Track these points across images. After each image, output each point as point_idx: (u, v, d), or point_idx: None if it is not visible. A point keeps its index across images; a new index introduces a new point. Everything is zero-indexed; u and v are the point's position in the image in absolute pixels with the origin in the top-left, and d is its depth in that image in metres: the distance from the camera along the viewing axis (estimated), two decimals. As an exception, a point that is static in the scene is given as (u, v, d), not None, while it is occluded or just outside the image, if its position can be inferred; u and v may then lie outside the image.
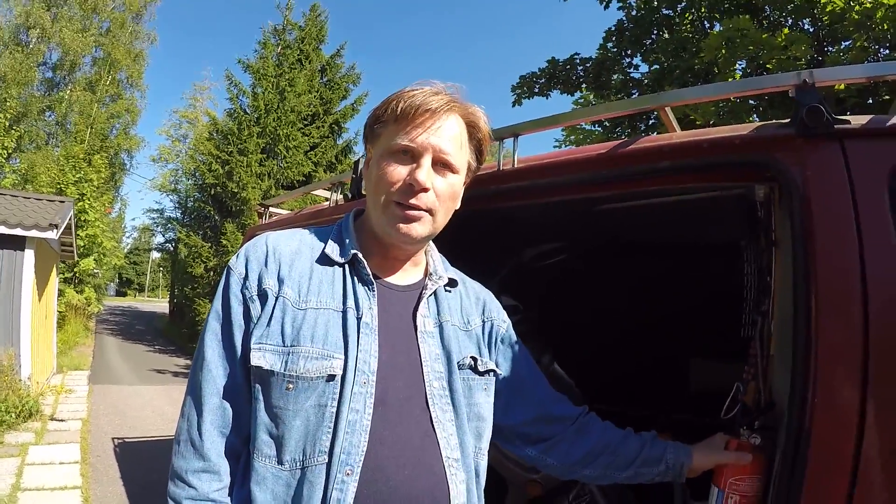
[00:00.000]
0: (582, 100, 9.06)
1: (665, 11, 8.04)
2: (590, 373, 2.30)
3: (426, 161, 0.98)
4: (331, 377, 0.93)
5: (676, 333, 2.63)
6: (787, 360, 1.09)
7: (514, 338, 1.20)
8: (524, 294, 2.13)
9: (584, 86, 8.76)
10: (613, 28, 8.51)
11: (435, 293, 1.09)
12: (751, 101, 6.47)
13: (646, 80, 7.92)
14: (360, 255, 1.02)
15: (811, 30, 7.03)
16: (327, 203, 2.59)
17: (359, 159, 2.17)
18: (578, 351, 2.44)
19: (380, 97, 1.06)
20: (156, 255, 44.02)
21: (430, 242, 1.14)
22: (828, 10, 6.11)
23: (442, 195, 1.01)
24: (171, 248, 24.38)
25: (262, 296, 0.98)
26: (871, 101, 6.06)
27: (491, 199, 1.50)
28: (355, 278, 1.02)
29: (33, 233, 7.19)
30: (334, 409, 0.92)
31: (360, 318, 0.98)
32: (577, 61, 8.70)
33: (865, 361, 0.97)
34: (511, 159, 1.47)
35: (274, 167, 14.81)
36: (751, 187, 1.30)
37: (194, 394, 0.97)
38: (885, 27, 5.79)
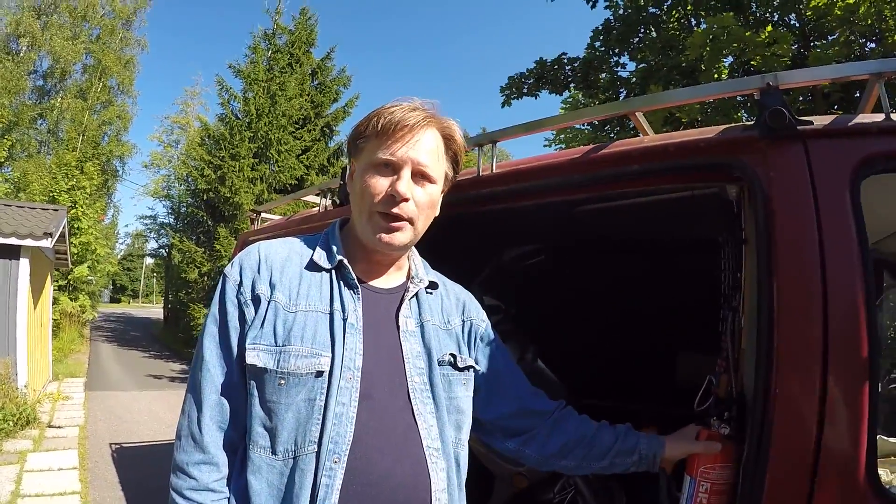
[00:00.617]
0: (571, 99, 9.11)
1: (652, 10, 8.09)
2: (575, 368, 2.35)
3: (406, 173, 1.05)
4: (319, 373, 1.00)
5: (662, 328, 2.68)
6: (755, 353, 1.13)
7: (493, 336, 1.26)
8: (506, 293, 2.17)
9: (572, 85, 8.80)
10: (601, 27, 8.56)
11: (416, 295, 1.16)
12: (738, 98, 6.53)
13: (633, 79, 7.97)
14: (345, 262, 1.09)
15: (797, 24, 7.10)
16: (316, 209, 2.63)
17: (346, 166, 2.21)
18: (563, 347, 2.49)
19: (371, 98, 1.13)
20: (149, 260, 43.76)
21: (413, 247, 1.20)
22: (811, 5, 6.19)
23: (421, 204, 1.08)
24: (165, 254, 24.19)
25: (256, 300, 1.05)
26: (858, 93, 6.12)
27: (472, 203, 1.55)
28: (341, 283, 1.09)
29: (28, 242, 7.21)
30: (322, 403, 0.99)
31: (346, 320, 1.04)
32: (566, 61, 8.74)
33: (825, 356, 1.02)
34: (490, 165, 1.51)
35: (266, 171, 14.83)
36: (723, 186, 1.35)
37: (194, 392, 1.04)
38: (869, 22, 5.86)
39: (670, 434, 1.27)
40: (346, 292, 1.08)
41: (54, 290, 12.83)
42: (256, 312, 1.04)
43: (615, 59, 8.61)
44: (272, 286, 1.05)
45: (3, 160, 15.06)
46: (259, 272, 1.07)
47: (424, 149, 1.07)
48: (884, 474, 1.22)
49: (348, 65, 16.70)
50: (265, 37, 16.28)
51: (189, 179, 18.73)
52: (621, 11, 8.36)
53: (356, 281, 1.09)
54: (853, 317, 1.03)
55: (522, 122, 1.55)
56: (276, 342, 1.01)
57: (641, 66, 7.98)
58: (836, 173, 1.10)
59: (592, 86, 8.29)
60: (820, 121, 1.15)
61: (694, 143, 1.22)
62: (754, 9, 7.40)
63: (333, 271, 1.10)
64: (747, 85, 1.22)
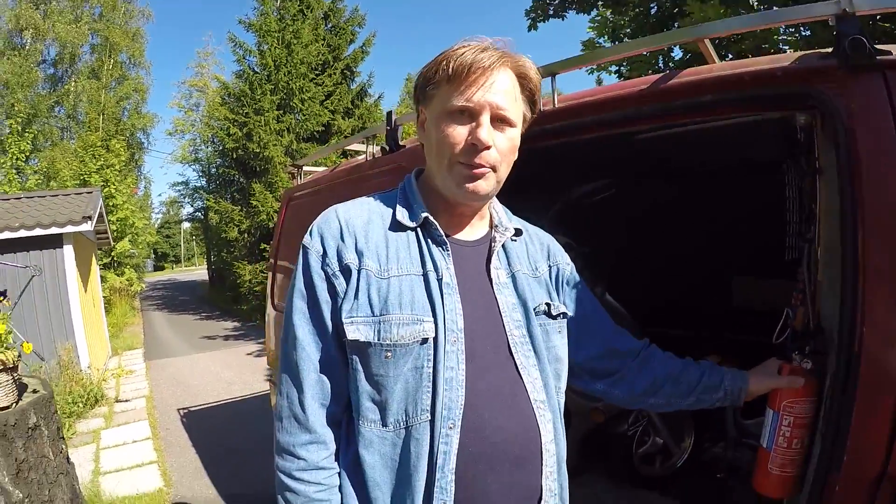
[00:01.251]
0: (599, 17, 8.61)
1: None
2: (641, 298, 2.36)
3: (485, 119, 0.99)
4: (424, 340, 0.98)
5: (720, 254, 2.65)
6: (835, 286, 1.12)
7: (578, 278, 1.24)
8: (576, 229, 2.17)
9: (600, 3, 8.27)
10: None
11: (503, 245, 1.13)
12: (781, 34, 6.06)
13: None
14: (430, 218, 1.05)
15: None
16: (363, 157, 2.59)
17: (391, 111, 2.17)
18: (629, 278, 2.49)
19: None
20: (186, 225, 44.30)
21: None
22: None
23: (503, 150, 1.02)
24: (202, 216, 24.44)
25: (345, 271, 1.01)
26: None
27: (535, 139, 1.49)
28: (429, 240, 1.05)
29: (69, 228, 7.37)
30: (431, 369, 0.97)
31: (441, 279, 1.01)
32: (592, -25, 8.17)
33: None
34: (551, 99, 1.47)
35: (292, 121, 14.59)
36: (792, 114, 1.30)
37: (290, 372, 1.03)
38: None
39: (752, 368, 1.28)
40: (436, 250, 1.04)
41: (100, 268, 13.18)
42: (348, 284, 1.01)
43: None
44: (360, 254, 1.01)
45: (29, 153, 15.27)
46: (343, 240, 1.03)
47: (501, 91, 0.99)
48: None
49: (360, 2, 15.82)
50: (271, -15, 15.75)
51: (215, 140, 18.56)
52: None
53: (444, 237, 1.05)
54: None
55: (577, 55, 1.49)
56: (373, 312, 0.98)
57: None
58: None
59: (621, 2, 7.78)
60: (896, 51, 1.10)
61: (770, 72, 1.17)
62: None
63: (419, 229, 1.06)
64: (821, 11, 1.14)
